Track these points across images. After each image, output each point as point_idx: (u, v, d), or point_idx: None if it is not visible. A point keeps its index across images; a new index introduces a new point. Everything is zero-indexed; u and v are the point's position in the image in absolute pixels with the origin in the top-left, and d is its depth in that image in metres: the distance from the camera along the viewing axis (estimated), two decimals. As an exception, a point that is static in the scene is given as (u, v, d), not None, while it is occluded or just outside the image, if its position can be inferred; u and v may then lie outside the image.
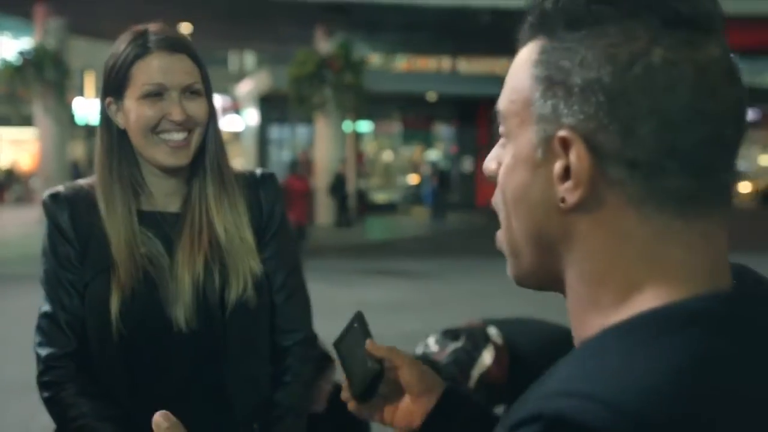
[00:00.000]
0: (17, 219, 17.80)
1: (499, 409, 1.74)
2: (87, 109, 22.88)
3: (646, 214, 0.61)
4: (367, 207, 20.16)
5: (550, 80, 0.63)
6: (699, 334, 0.57)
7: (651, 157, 0.60)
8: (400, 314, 7.56)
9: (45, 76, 15.40)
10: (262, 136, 22.87)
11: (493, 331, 1.85)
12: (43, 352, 1.50)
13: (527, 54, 0.66)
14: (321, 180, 16.62)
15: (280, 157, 22.46)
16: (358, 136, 21.96)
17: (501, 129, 0.70)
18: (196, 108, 1.50)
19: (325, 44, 16.43)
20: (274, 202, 1.62)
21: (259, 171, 1.65)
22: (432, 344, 1.88)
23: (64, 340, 1.50)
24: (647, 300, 0.61)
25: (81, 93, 22.67)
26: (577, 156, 0.61)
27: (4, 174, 25.97)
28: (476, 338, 1.83)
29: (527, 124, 0.65)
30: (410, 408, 1.00)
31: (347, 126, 18.56)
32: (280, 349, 1.62)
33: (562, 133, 0.62)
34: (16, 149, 27.56)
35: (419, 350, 2.04)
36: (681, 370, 0.55)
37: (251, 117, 23.70)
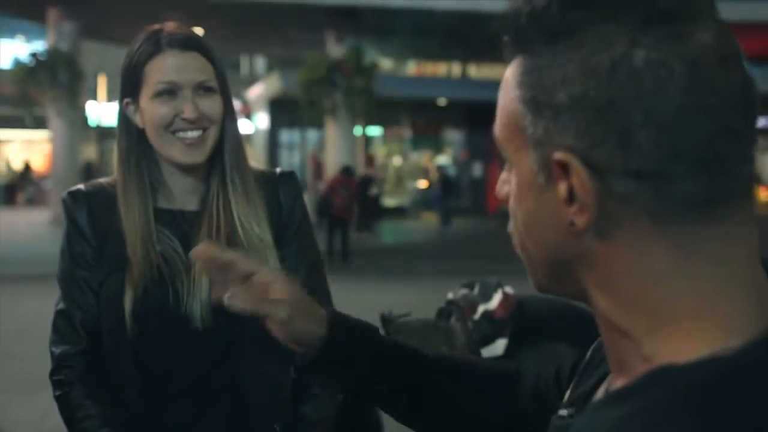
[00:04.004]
0: (29, 220, 17.89)
1: (496, 345, 1.82)
2: (99, 111, 22.98)
3: (663, 226, 0.56)
4: (377, 211, 20.17)
5: (536, 102, 0.59)
6: None
7: (655, 165, 0.55)
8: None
9: (58, 79, 15.49)
10: (272, 140, 22.93)
11: (507, 287, 1.93)
12: (57, 350, 1.51)
13: (511, 74, 0.63)
14: (331, 184, 16.63)
15: (291, 161, 22.52)
16: (368, 141, 21.98)
17: (503, 154, 0.66)
18: (209, 105, 1.50)
19: (335, 48, 16.47)
20: (294, 201, 1.62)
21: (278, 170, 1.66)
22: (448, 296, 1.96)
23: (77, 338, 1.51)
24: (692, 329, 0.56)
25: (94, 96, 22.78)
26: (577, 178, 0.57)
27: (17, 175, 26.10)
28: (489, 288, 1.90)
29: (524, 150, 0.61)
30: (292, 326, 0.94)
31: (357, 130, 18.59)
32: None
33: (557, 156, 0.58)
34: (28, 151, 27.71)
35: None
36: None
37: (261, 121, 23.76)
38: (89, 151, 22.19)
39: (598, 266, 0.59)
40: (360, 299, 8.55)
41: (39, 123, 16.79)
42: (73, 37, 16.41)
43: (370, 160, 21.63)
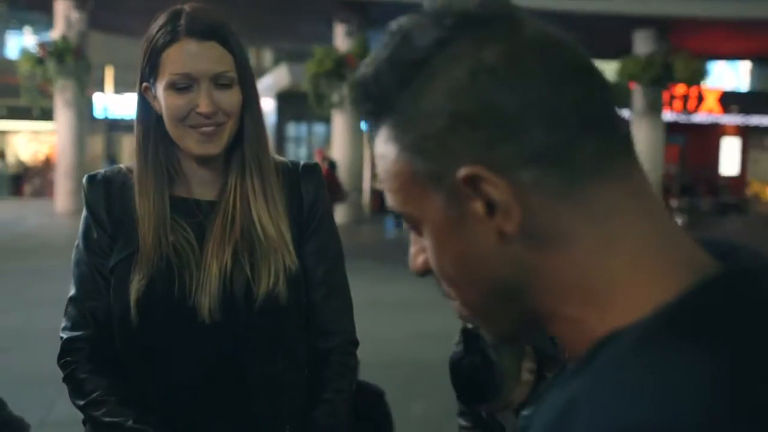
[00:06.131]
0: (35, 211, 17.92)
1: None
2: (106, 103, 22.99)
3: (576, 199, 0.58)
4: (381, 206, 20.16)
5: (418, 141, 0.61)
6: (712, 336, 0.53)
7: (549, 141, 0.58)
8: (417, 312, 7.54)
9: (65, 70, 15.50)
10: (278, 134, 22.93)
11: None
12: (65, 335, 1.50)
13: (383, 139, 0.64)
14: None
15: (297, 155, 22.52)
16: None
17: (407, 225, 0.66)
18: (226, 98, 1.44)
19: (343, 42, 16.43)
20: (315, 195, 1.56)
21: (301, 162, 1.60)
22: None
23: (85, 325, 1.49)
24: (636, 295, 0.57)
25: (101, 87, 22.78)
26: (489, 184, 0.58)
27: (23, 167, 26.16)
28: None
29: (426, 197, 0.61)
30: None
31: (364, 125, 18.55)
32: (317, 353, 1.54)
33: (462, 173, 0.58)
34: (35, 142, 27.75)
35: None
36: (710, 381, 0.51)
37: (268, 114, 23.77)
38: (96, 143, 22.20)
39: (537, 269, 0.60)
40: (365, 292, 8.54)
41: (46, 114, 16.81)
42: (81, 29, 16.41)
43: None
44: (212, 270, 1.45)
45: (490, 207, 0.59)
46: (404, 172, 0.62)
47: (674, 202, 18.61)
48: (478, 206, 0.59)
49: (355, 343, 1.60)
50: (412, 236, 0.67)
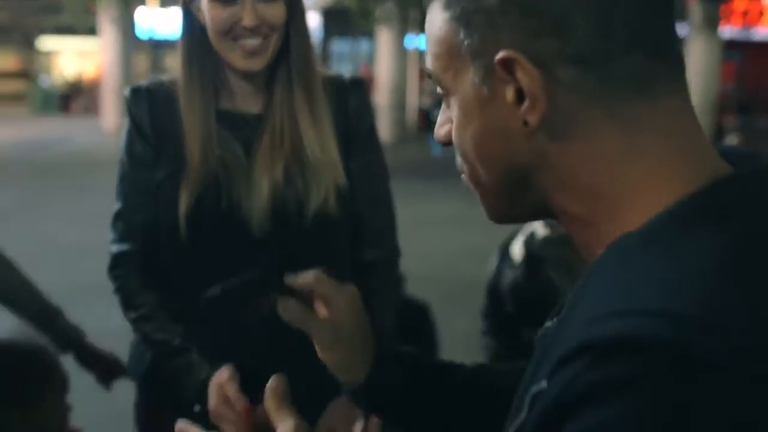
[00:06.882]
0: (83, 129, 18.18)
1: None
2: (151, 23, 22.91)
3: (610, 107, 0.58)
4: (427, 124, 20.02)
5: (467, 13, 0.60)
6: (719, 227, 0.54)
7: (592, 47, 0.57)
8: (462, 229, 7.56)
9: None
10: (323, 50, 22.68)
11: None
12: (114, 248, 1.52)
13: (436, 5, 0.64)
14: (382, 96, 16.47)
15: (342, 72, 22.33)
16: (420, 53, 21.59)
17: (439, 90, 0.67)
18: (271, 11, 1.42)
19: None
20: (362, 110, 1.55)
21: (347, 76, 1.58)
22: (538, 228, 1.80)
23: (133, 239, 1.51)
24: (649, 202, 0.58)
25: (144, 4, 22.67)
26: (523, 72, 0.58)
27: (69, 86, 26.41)
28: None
29: (463, 70, 0.62)
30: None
31: (410, 41, 18.26)
32: (362, 264, 1.55)
33: (500, 55, 0.58)
34: (81, 60, 27.92)
35: (519, 244, 1.93)
36: (715, 267, 0.52)
37: (313, 30, 23.49)
38: (141, 62, 22.23)
39: (554, 164, 0.61)
40: (410, 210, 8.56)
41: (91, 31, 16.86)
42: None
43: (421, 74, 21.28)
44: (262, 185, 1.44)
45: (520, 95, 0.59)
46: (448, 40, 0.63)
47: (730, 121, 18.08)
48: (509, 91, 0.60)
49: (399, 254, 1.62)
50: (443, 106, 0.68)
